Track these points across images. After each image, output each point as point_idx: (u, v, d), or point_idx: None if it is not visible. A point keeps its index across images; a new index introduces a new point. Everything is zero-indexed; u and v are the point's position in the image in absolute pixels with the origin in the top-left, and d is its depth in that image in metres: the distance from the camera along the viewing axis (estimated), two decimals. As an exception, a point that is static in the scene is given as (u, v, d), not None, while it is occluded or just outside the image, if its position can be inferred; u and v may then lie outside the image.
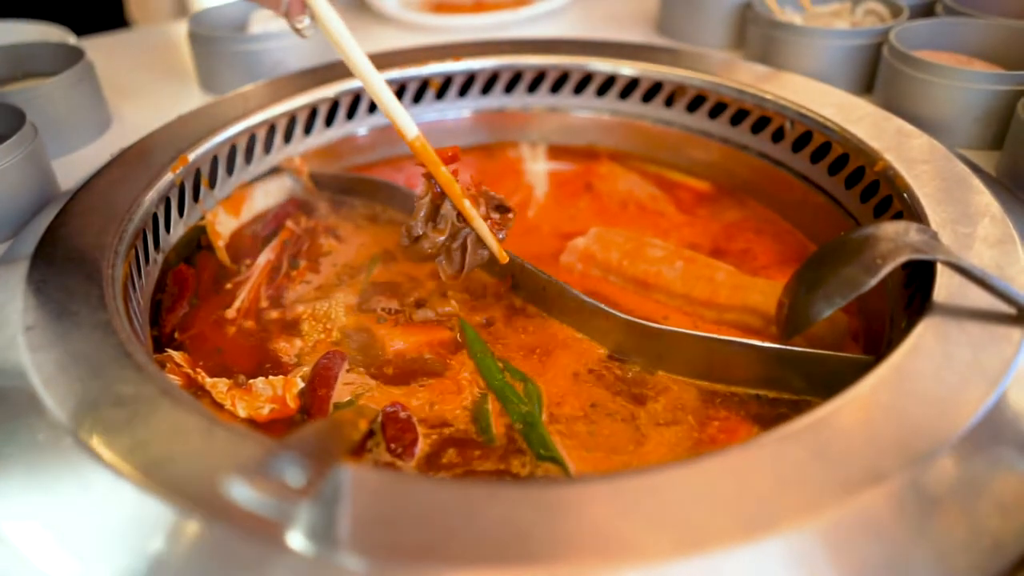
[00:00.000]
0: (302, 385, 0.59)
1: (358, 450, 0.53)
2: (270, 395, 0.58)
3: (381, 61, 0.89)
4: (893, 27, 0.89)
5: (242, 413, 0.57)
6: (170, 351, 0.61)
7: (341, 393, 0.59)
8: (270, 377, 0.59)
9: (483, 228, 0.62)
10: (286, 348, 0.64)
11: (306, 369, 0.61)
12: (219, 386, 0.58)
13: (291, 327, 0.66)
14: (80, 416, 0.44)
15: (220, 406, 0.57)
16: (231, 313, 0.67)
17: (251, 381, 0.59)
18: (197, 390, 0.59)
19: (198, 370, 0.59)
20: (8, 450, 0.45)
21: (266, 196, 0.81)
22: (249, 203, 0.80)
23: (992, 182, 0.67)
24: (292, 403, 0.57)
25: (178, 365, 0.60)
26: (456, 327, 0.65)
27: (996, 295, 0.49)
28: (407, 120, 0.59)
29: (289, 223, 0.78)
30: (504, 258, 0.64)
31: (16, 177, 0.71)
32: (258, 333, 0.66)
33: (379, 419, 0.55)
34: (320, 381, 0.59)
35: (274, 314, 0.67)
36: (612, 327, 0.61)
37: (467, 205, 0.61)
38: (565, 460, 0.53)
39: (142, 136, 0.75)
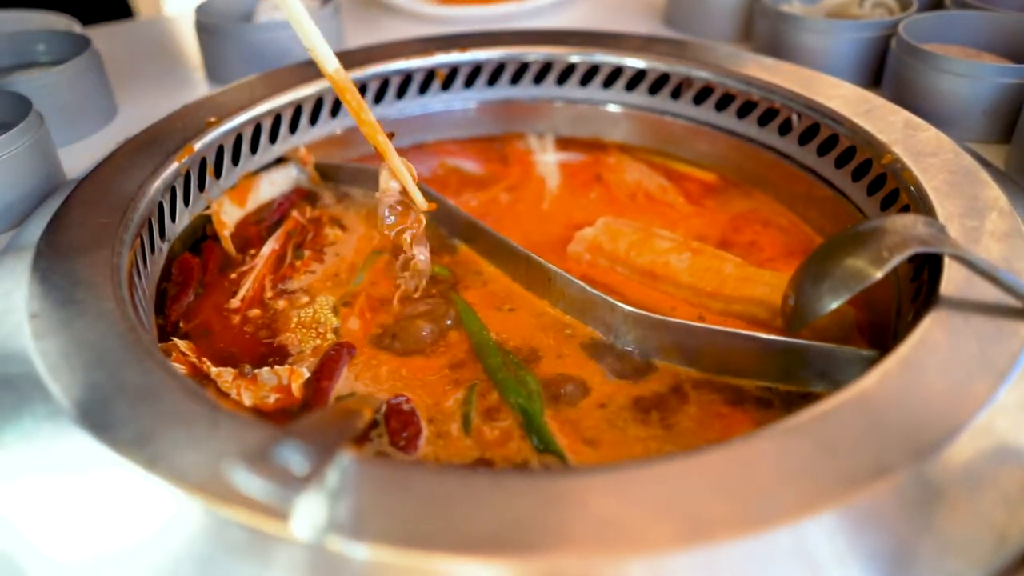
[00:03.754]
0: (307, 375, 0.59)
1: (360, 439, 0.53)
2: (275, 384, 0.58)
3: (388, 51, 0.89)
4: (902, 20, 0.88)
5: (247, 402, 0.57)
6: (175, 340, 0.61)
7: (346, 385, 0.59)
8: (275, 367, 0.59)
9: (399, 166, 0.62)
10: (290, 337, 0.64)
11: (312, 359, 0.61)
12: (224, 375, 0.58)
13: (295, 316, 0.66)
14: (85, 403, 0.44)
15: (225, 395, 0.58)
16: (235, 302, 0.67)
17: (256, 371, 0.59)
18: (202, 379, 0.59)
19: (203, 359, 0.60)
20: (13, 437, 0.45)
21: (271, 186, 0.81)
22: (255, 193, 0.80)
23: (1000, 176, 0.67)
24: (297, 393, 0.57)
25: (183, 354, 0.60)
26: (453, 309, 0.66)
27: (1003, 289, 0.49)
28: (327, 51, 0.57)
29: (294, 213, 0.78)
30: (425, 205, 0.63)
31: (22, 165, 0.72)
32: (262, 322, 0.66)
33: (383, 409, 0.55)
34: (325, 371, 0.59)
35: (279, 303, 0.67)
36: (618, 318, 0.61)
37: (381, 141, 0.61)
38: (564, 453, 0.53)
39: (148, 125, 0.75)
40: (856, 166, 0.71)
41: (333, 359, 0.60)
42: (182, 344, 0.61)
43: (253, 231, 0.76)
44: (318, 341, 0.64)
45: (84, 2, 1.37)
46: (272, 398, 0.57)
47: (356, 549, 0.36)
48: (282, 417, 0.57)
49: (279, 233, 0.75)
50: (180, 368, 0.58)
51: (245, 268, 0.71)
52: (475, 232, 0.72)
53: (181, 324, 0.65)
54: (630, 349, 0.61)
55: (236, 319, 0.66)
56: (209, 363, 0.59)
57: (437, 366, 0.61)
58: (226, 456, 0.40)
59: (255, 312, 0.67)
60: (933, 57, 0.80)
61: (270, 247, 0.73)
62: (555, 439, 0.54)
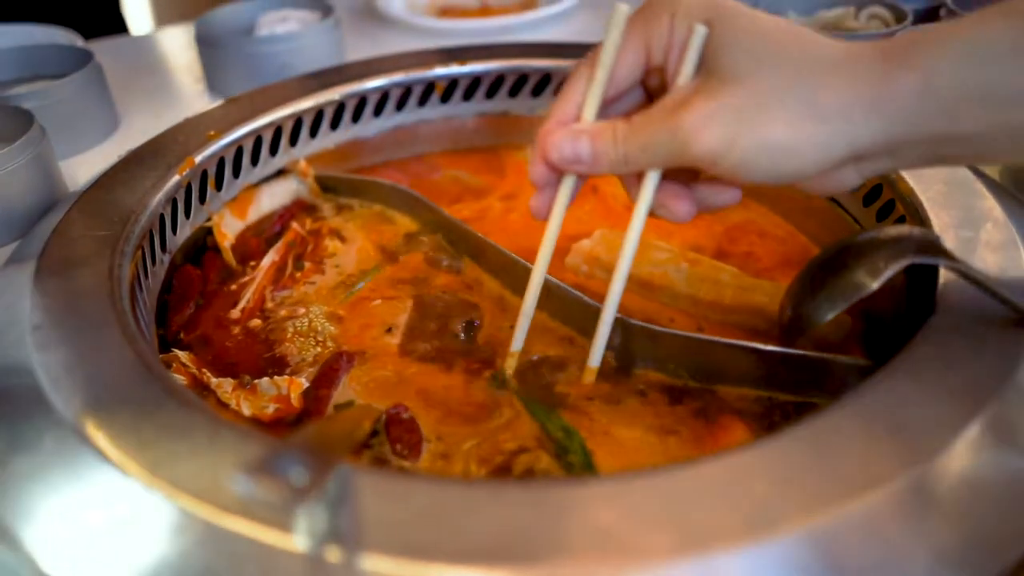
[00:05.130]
0: (307, 385, 0.59)
1: (360, 448, 0.53)
2: (275, 395, 0.58)
3: (387, 64, 0.89)
4: (897, 31, 0.89)
5: (247, 413, 0.57)
6: (176, 351, 0.61)
7: (344, 393, 0.60)
8: (275, 377, 0.59)
9: None
10: (290, 348, 0.64)
11: (312, 368, 0.61)
12: (224, 386, 0.58)
13: (294, 327, 0.66)
14: (86, 415, 0.44)
15: (225, 406, 0.58)
16: (236, 313, 0.68)
17: (256, 381, 0.59)
18: (203, 390, 0.59)
19: (204, 370, 0.60)
20: (14, 449, 0.45)
21: (272, 198, 0.81)
22: (255, 205, 0.80)
23: (995, 186, 0.67)
24: (297, 402, 0.58)
25: (184, 365, 0.60)
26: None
27: (998, 299, 0.49)
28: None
29: (294, 225, 0.78)
30: None
31: (24, 178, 0.72)
32: (262, 333, 0.66)
33: (383, 419, 0.55)
34: (324, 380, 0.59)
35: (279, 314, 0.68)
36: (615, 330, 0.61)
37: None
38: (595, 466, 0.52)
39: (149, 138, 0.75)
40: (852, 177, 0.71)
41: (332, 368, 0.61)
42: (183, 355, 0.61)
43: (254, 243, 0.77)
44: (318, 349, 0.64)
45: (82, 17, 1.38)
46: (271, 408, 0.57)
47: (357, 559, 0.36)
48: (281, 427, 0.57)
49: (279, 245, 0.75)
50: (181, 379, 0.59)
51: (245, 279, 0.72)
52: (471, 241, 0.73)
53: (182, 335, 0.66)
54: (628, 360, 0.61)
55: (236, 330, 0.66)
56: (209, 374, 0.60)
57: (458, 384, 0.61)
58: (226, 467, 0.40)
59: (255, 323, 0.67)
60: (928, 69, 0.81)
61: (270, 258, 0.74)
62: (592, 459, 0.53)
